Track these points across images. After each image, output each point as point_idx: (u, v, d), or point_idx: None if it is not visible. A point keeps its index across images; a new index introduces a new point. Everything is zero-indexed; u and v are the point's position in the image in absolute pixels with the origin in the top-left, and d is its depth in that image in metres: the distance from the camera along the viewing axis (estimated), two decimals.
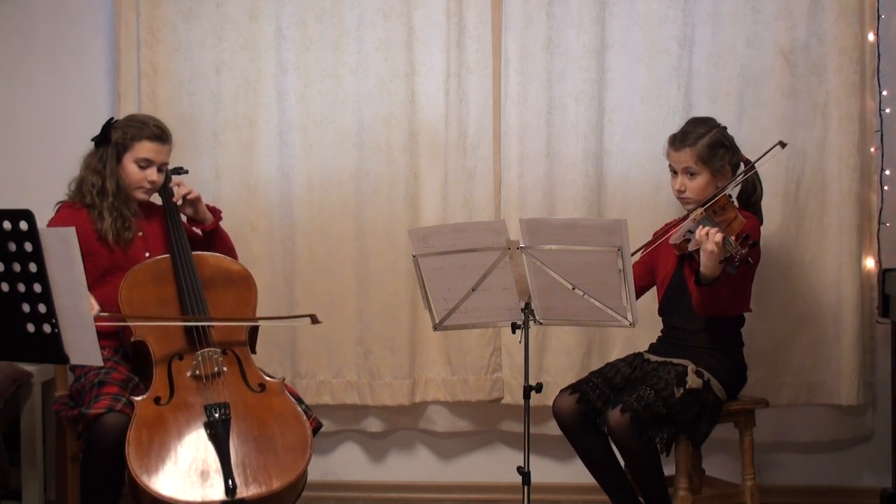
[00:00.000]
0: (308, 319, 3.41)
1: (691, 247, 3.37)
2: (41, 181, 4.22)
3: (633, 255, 3.44)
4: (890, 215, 4.14)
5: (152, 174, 3.59)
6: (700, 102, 4.13)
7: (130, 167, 3.58)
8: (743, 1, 4.12)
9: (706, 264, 3.30)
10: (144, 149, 3.57)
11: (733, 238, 3.21)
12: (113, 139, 3.58)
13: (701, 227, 3.30)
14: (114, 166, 3.57)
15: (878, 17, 4.10)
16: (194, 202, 3.68)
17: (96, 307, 3.25)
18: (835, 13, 4.06)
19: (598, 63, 4.16)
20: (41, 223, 2.65)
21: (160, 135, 3.60)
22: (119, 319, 3.40)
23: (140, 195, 3.62)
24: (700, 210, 3.42)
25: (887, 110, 4.13)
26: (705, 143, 3.52)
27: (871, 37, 4.11)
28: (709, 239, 3.24)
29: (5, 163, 4.38)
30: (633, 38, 4.16)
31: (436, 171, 4.25)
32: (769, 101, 4.11)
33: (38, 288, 2.60)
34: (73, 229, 2.60)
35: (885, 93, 4.11)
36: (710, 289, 3.36)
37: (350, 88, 4.24)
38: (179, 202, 3.66)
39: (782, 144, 3.51)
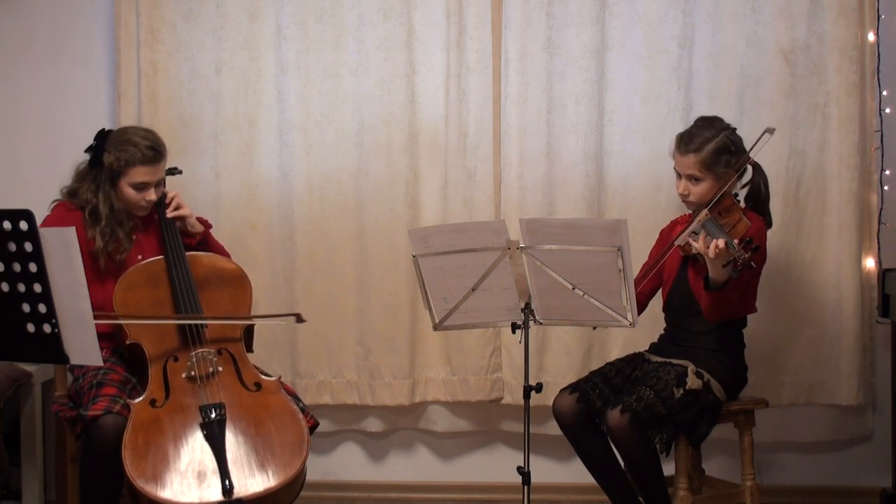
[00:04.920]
0: (293, 318, 3.40)
1: (694, 250, 3.37)
2: (41, 181, 4.21)
3: (652, 267, 3.51)
4: (890, 215, 4.14)
5: (150, 195, 3.55)
6: (700, 102, 4.13)
7: (127, 190, 3.53)
8: (743, 1, 4.11)
9: (712, 269, 3.30)
10: (139, 174, 3.51)
11: (736, 241, 3.20)
12: (106, 163, 3.51)
13: (703, 233, 3.29)
14: (108, 190, 3.53)
15: (878, 17, 4.10)
16: (182, 218, 3.63)
17: None
18: (835, 13, 4.06)
19: (598, 63, 4.16)
20: (41, 223, 2.65)
21: (153, 156, 3.52)
22: (112, 319, 3.39)
23: (140, 212, 3.60)
24: (705, 211, 3.42)
25: (887, 110, 4.12)
26: (710, 150, 3.47)
27: (871, 37, 4.11)
28: (710, 246, 3.22)
29: (5, 163, 4.37)
30: (633, 38, 4.16)
31: (436, 171, 4.24)
32: (769, 101, 4.11)
33: (38, 288, 2.60)
34: (72, 229, 2.60)
35: (885, 93, 4.11)
36: (719, 294, 3.34)
37: (350, 88, 4.24)
38: (173, 210, 3.62)
39: (770, 131, 3.44)
